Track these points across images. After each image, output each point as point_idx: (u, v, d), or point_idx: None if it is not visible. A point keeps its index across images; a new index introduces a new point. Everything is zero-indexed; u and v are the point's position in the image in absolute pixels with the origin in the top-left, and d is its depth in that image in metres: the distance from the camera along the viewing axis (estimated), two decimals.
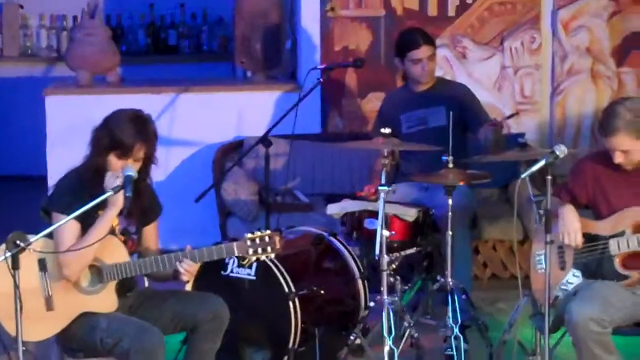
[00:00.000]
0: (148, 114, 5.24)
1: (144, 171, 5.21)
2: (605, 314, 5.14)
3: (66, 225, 5.02)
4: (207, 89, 8.26)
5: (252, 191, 7.45)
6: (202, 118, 8.01)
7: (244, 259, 5.29)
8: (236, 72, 8.83)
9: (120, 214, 5.13)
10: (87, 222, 5.01)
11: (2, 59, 10.46)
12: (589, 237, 5.38)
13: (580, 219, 5.39)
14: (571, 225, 5.35)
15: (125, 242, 5.15)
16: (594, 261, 5.38)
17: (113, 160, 5.08)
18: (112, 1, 10.47)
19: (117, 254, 5.09)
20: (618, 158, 5.27)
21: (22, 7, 10.45)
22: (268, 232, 5.09)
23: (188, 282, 5.30)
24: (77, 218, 4.92)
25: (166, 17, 10.52)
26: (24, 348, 4.63)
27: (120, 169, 5.08)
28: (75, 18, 10.14)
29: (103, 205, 5.03)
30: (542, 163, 5.11)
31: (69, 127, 7.88)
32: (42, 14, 10.54)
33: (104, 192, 4.97)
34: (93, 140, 5.16)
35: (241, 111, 8.06)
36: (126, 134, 5.07)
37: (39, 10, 10.54)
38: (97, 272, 5.09)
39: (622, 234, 5.30)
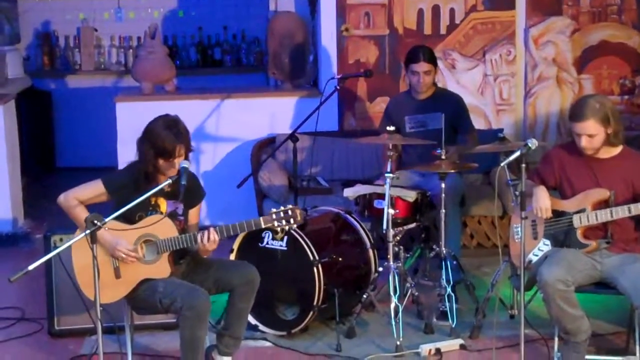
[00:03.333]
0: (175, 115, 5.18)
1: (186, 159, 5.14)
2: (569, 275, 5.12)
3: (92, 187, 5.13)
4: (245, 95, 8.21)
5: (283, 178, 7.42)
6: (241, 119, 7.99)
7: (276, 232, 5.28)
8: (269, 81, 8.81)
9: (170, 198, 5.14)
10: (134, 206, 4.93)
11: (81, 72, 10.46)
12: (557, 213, 5.35)
13: (550, 198, 5.36)
14: (543, 202, 5.32)
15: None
16: (561, 232, 5.36)
17: (162, 163, 5.07)
18: (168, 25, 10.46)
19: (167, 230, 5.08)
20: (584, 142, 5.22)
21: (96, 30, 10.45)
22: (290, 206, 5.07)
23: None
24: (124, 201, 4.90)
25: (212, 37, 10.50)
26: (101, 308, 4.65)
27: (169, 169, 5.07)
28: (139, 39, 10.13)
29: (160, 193, 5.03)
30: (517, 153, 5.06)
31: (135, 127, 7.70)
32: (113, 35, 10.54)
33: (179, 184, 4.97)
34: (140, 152, 5.12)
35: (273, 113, 8.03)
36: (167, 141, 5.03)
37: (110, 32, 10.54)
38: (154, 245, 5.09)
39: (583, 210, 5.27)
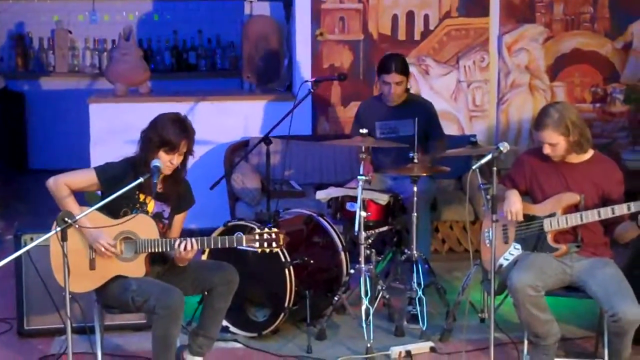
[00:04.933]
0: (185, 115, 5.21)
1: (183, 162, 5.20)
2: (539, 280, 5.15)
3: (85, 175, 5.13)
4: (219, 98, 8.19)
5: (256, 181, 7.42)
6: (215, 122, 7.97)
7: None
8: (243, 85, 8.79)
9: (159, 199, 5.14)
10: (121, 200, 4.97)
11: (54, 74, 10.42)
12: (528, 217, 5.37)
13: (522, 202, 5.38)
14: (514, 206, 5.33)
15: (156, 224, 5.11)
16: (532, 236, 5.38)
17: (162, 155, 5.07)
18: (143, 28, 10.45)
19: (149, 231, 5.07)
20: (546, 150, 5.27)
21: (70, 32, 10.42)
22: (275, 229, 5.04)
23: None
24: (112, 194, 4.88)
25: (187, 41, 10.49)
26: (70, 296, 4.63)
27: (166, 164, 5.07)
28: (113, 41, 10.11)
29: (141, 189, 5.04)
30: (489, 157, 5.10)
31: (108, 129, 7.86)
32: (87, 37, 10.52)
33: (151, 182, 4.95)
34: (144, 140, 5.12)
35: (247, 116, 8.02)
36: (173, 133, 5.06)
37: (85, 34, 10.52)
38: (133, 244, 5.08)
39: (553, 214, 5.29)
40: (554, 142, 5.24)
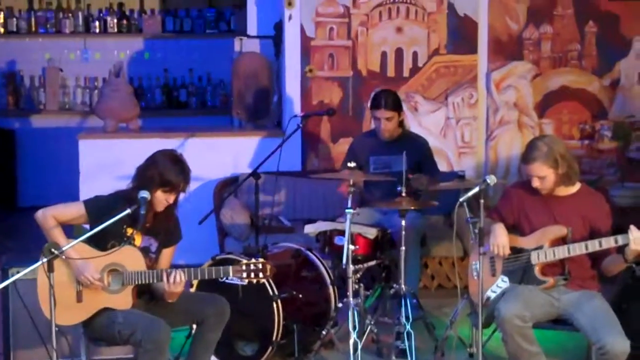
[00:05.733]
0: (180, 153, 5.23)
1: (175, 199, 5.21)
2: (526, 311, 5.15)
3: (73, 208, 5.15)
4: (208, 134, 8.22)
5: (245, 217, 7.42)
6: (205, 158, 7.92)
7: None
8: (233, 121, 8.82)
9: (147, 234, 5.13)
10: (108, 234, 4.99)
11: (45, 112, 10.41)
12: (515, 250, 5.38)
13: (509, 235, 5.39)
14: (500, 240, 5.35)
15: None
16: (519, 269, 5.38)
17: (159, 194, 5.09)
18: (134, 66, 10.47)
19: (136, 264, 5.07)
20: (535, 182, 5.29)
21: (61, 70, 10.43)
22: (262, 260, 5.06)
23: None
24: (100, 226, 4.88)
25: (178, 79, 10.51)
26: (57, 329, 4.64)
27: (161, 202, 5.07)
28: (104, 79, 10.10)
29: (128, 222, 5.02)
30: (476, 189, 5.12)
31: (97, 165, 7.87)
32: (78, 76, 10.52)
33: (138, 214, 4.94)
34: (142, 177, 5.12)
35: (236, 153, 8.03)
36: (173, 174, 5.08)
37: (75, 73, 10.52)
38: (120, 276, 5.06)
39: (541, 247, 5.30)
40: (543, 174, 5.26)
